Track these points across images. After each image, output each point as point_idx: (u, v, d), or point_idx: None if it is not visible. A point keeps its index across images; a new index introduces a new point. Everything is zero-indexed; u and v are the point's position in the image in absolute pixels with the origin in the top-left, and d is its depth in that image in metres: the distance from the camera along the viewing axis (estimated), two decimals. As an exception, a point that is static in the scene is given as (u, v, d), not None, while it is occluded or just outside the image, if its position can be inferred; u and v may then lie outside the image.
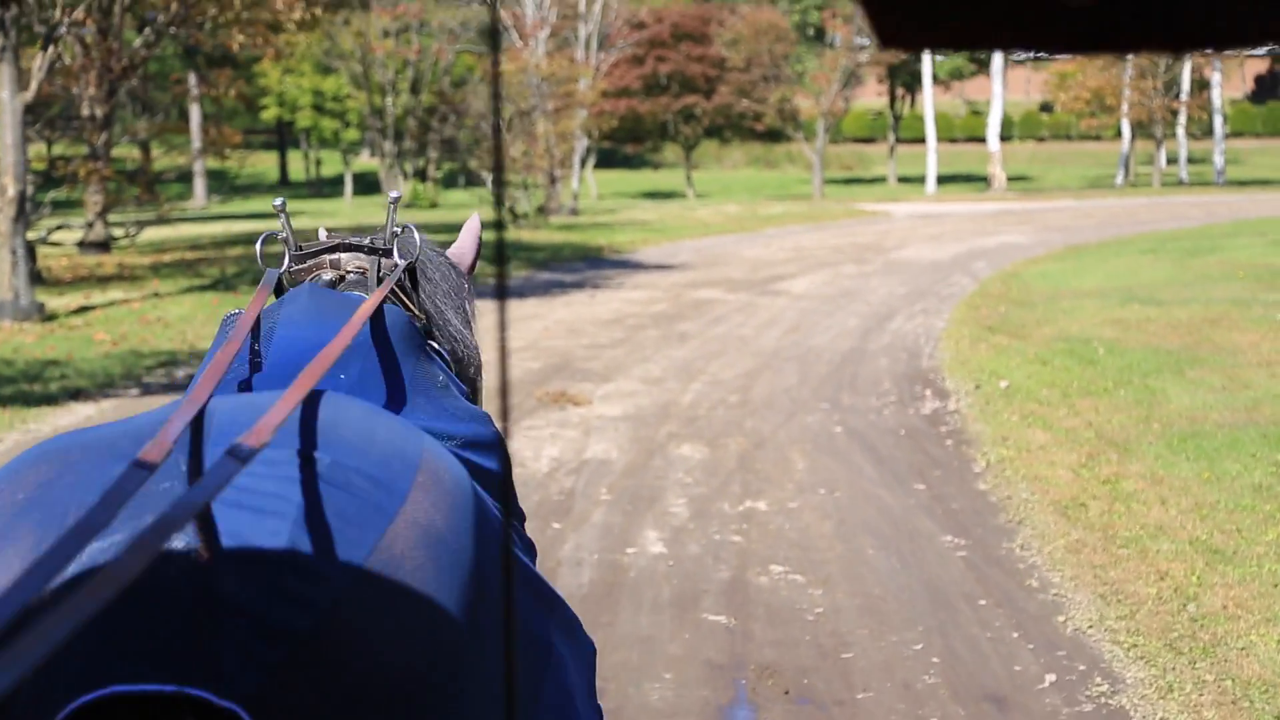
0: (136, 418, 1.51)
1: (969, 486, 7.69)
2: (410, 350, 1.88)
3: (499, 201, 0.95)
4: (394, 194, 2.28)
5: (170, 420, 1.34)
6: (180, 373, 11.24)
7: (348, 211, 38.28)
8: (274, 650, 1.26)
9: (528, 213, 26.69)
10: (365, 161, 57.44)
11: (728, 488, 7.72)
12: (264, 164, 64.47)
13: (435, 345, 2.12)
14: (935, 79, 52.47)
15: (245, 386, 1.75)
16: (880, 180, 57.15)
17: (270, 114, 50.69)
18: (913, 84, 61.57)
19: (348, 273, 2.17)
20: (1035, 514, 7.04)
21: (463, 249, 2.50)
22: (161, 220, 18.68)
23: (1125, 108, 44.83)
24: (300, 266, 2.17)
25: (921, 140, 61.86)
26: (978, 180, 53.00)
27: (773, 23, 46.53)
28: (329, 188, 53.88)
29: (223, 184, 54.55)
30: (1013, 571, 6.23)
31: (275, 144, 62.12)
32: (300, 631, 1.27)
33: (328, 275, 2.16)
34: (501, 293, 0.89)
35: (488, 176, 26.75)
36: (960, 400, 9.87)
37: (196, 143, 45.90)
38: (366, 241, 2.20)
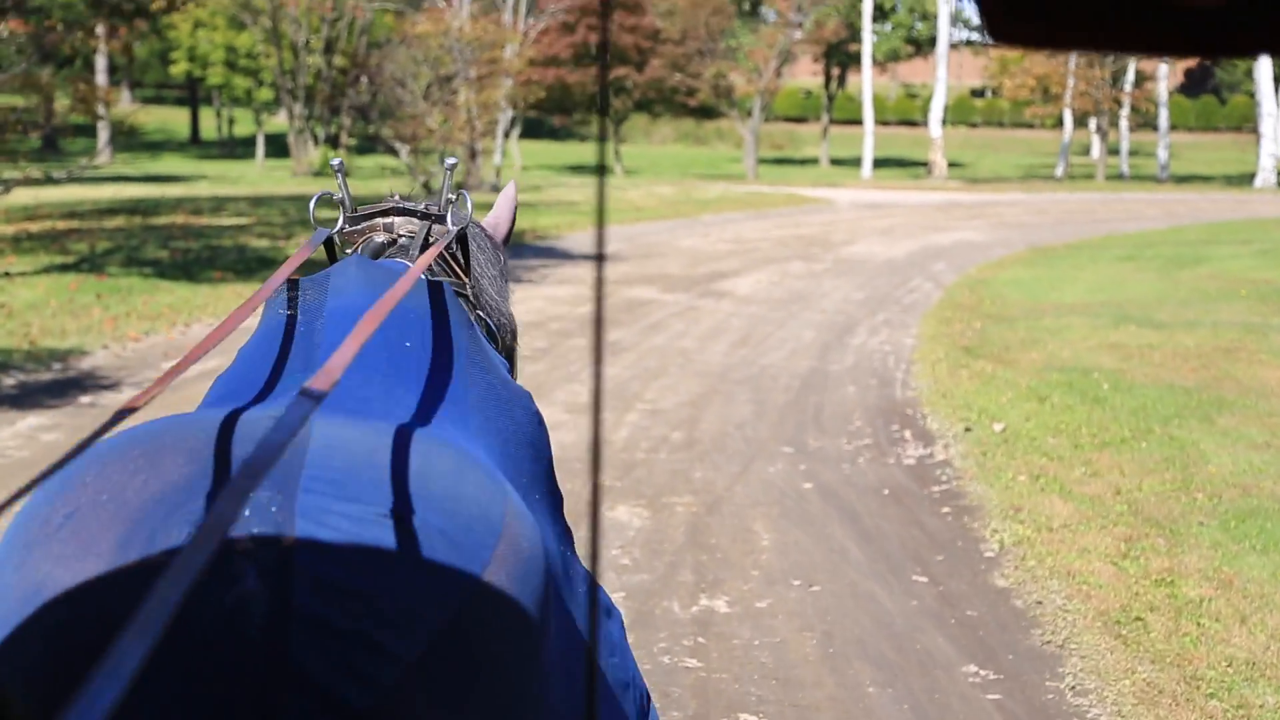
0: (225, 419, 1.44)
1: (984, 582, 6.01)
2: (463, 322, 1.85)
3: (601, 169, 0.84)
4: (450, 160, 2.27)
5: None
6: (9, 380, 9.29)
7: (253, 177, 36.06)
8: None
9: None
10: (281, 122, 55.08)
11: (676, 574, 6.00)
12: (175, 120, 62.05)
13: (480, 314, 2.17)
14: (873, 60, 50.92)
15: (295, 363, 1.72)
16: (813, 161, 55.72)
17: (180, 69, 48.46)
18: (846, 63, 60.13)
19: (399, 236, 2.20)
20: (1081, 633, 5.37)
21: (498, 218, 2.51)
22: (30, 181, 16.53)
23: (1069, 97, 43.53)
24: (354, 228, 2.21)
25: (853, 122, 60.65)
26: (912, 165, 51.72)
27: (710, -7, 44.73)
28: (241, 148, 51.64)
29: (131, 140, 52.13)
30: (1072, 735, 4.55)
31: (186, 100, 59.84)
32: (361, 710, 1.26)
33: (380, 238, 2.19)
34: (600, 257, 0.88)
35: (402, 146, 24.71)
36: (949, 447, 8.20)
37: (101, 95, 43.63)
38: (421, 206, 2.23)
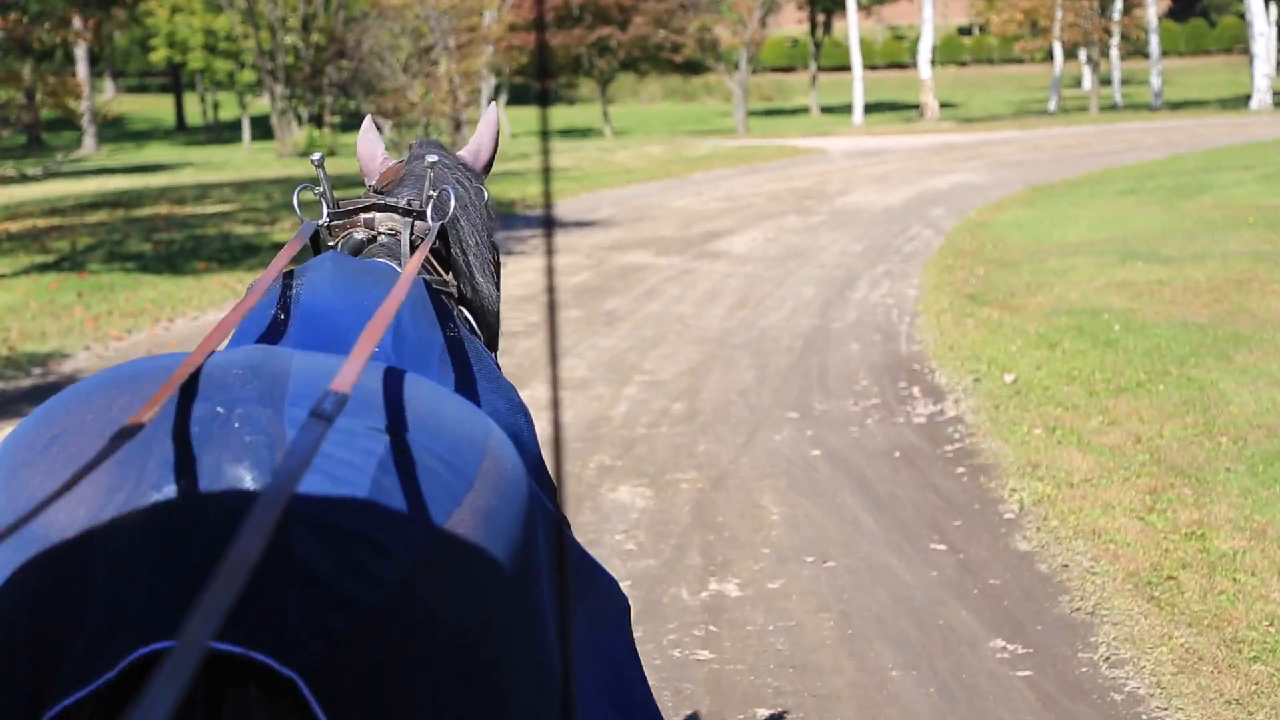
0: (211, 357, 1.49)
1: (1005, 546, 5.73)
2: (445, 319, 1.88)
3: (544, 140, 0.83)
4: (431, 158, 2.29)
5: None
6: (-14, 390, 9.01)
7: (238, 162, 35.66)
8: (339, 620, 1.28)
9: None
10: (265, 104, 54.63)
11: (683, 557, 5.73)
12: (161, 108, 61.58)
13: (461, 308, 2.21)
14: (858, 4, 50.33)
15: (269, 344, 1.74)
16: (803, 111, 55.22)
17: (159, 55, 48.03)
18: (832, 9, 59.52)
19: (379, 234, 2.22)
20: (1111, 597, 5.09)
21: (479, 144, 2.53)
22: (4, 180, 16.21)
23: (1058, 29, 42.99)
24: (335, 223, 2.23)
25: (841, 68, 60.07)
26: (904, 108, 51.23)
27: (690, -53, 44.13)
28: (228, 132, 51.22)
29: (117, 131, 51.81)
30: (1111, 712, 4.28)
31: (170, 86, 59.35)
32: (365, 605, 1.29)
33: (360, 235, 2.22)
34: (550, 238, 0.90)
35: (384, 122, 24.30)
36: (960, 402, 7.92)
37: (87, 89, 43.21)
38: (403, 203, 2.24)
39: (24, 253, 15.44)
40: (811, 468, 6.85)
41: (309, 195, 2.33)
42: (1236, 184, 17.41)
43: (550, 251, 0.87)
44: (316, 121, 38.72)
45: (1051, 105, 44.95)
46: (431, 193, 2.25)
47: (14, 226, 18.21)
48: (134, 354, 10.02)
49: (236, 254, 15.24)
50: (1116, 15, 43.46)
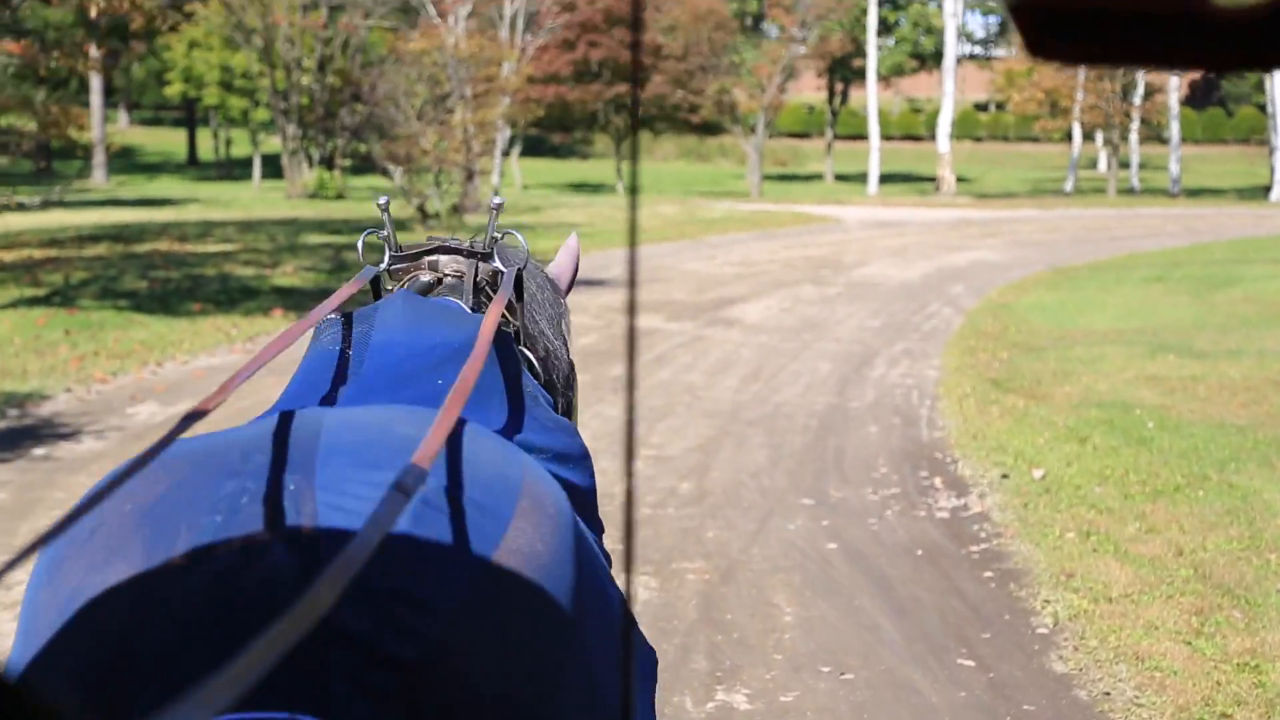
0: (244, 429, 1.49)
1: (1040, 666, 5.24)
2: (502, 357, 1.84)
3: (633, 190, 0.82)
4: (497, 200, 2.27)
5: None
6: (-43, 430, 8.53)
7: (246, 200, 35.32)
8: (383, 680, 1.25)
9: (439, 212, 23.73)
10: (278, 143, 54.52)
11: (688, 660, 5.25)
12: (174, 142, 61.55)
13: (524, 351, 2.14)
14: (877, 75, 50.20)
15: (336, 390, 1.74)
16: (817, 177, 55.04)
17: (175, 90, 47.95)
18: (850, 78, 59.53)
19: (445, 275, 2.19)
20: (1161, 735, 4.60)
21: (561, 267, 2.53)
22: (0, 208, 15.80)
23: (1078, 110, 42.80)
24: (399, 266, 2.21)
25: (857, 137, 60.06)
26: (919, 180, 51.05)
27: (712, 9, 44.05)
28: (239, 169, 51.06)
29: (128, 162, 51.72)
30: None
31: (184, 121, 59.35)
32: (409, 662, 1.26)
33: (426, 277, 2.18)
34: (632, 266, 0.86)
35: (395, 169, 23.90)
36: (985, 497, 7.44)
37: (100, 119, 43.06)
38: (466, 245, 2.23)
39: (14, 285, 14.98)
40: (827, 563, 6.37)
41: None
42: (1268, 278, 16.97)
43: (633, 313, 0.82)
44: (327, 164, 38.42)
45: (1068, 186, 44.68)
46: (497, 235, 2.22)
47: (8, 256, 17.75)
48: (117, 400, 9.57)
49: (234, 296, 14.79)
50: (1138, 100, 43.26)
